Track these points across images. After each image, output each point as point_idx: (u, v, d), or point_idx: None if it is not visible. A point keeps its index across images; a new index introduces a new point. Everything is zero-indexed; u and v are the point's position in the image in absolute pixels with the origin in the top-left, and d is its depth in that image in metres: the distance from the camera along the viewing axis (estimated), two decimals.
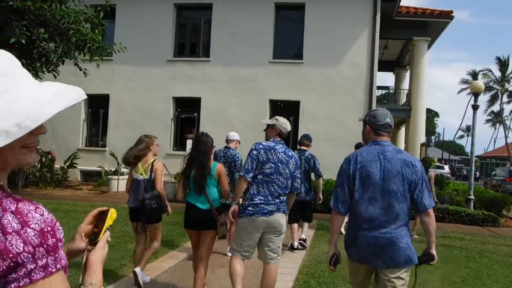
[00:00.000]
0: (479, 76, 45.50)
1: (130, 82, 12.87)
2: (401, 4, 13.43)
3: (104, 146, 13.16)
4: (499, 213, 10.20)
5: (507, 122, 51.72)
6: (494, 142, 61.48)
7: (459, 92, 51.50)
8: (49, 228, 0.76)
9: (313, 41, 12.16)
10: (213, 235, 3.55)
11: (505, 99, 47.85)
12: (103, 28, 8.78)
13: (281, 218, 3.30)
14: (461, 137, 69.54)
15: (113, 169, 11.85)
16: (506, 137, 47.74)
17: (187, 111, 13.09)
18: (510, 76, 45.63)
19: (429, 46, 15.92)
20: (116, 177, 10.84)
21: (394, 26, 13.95)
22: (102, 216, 1.04)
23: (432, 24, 14.76)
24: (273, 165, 3.27)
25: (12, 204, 0.75)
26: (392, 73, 21.41)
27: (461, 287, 4.75)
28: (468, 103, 70.87)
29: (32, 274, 0.72)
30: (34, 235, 0.73)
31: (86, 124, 13.56)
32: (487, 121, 57.99)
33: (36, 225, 0.74)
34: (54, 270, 0.75)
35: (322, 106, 12.10)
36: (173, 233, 6.50)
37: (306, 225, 6.34)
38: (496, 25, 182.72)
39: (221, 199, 3.71)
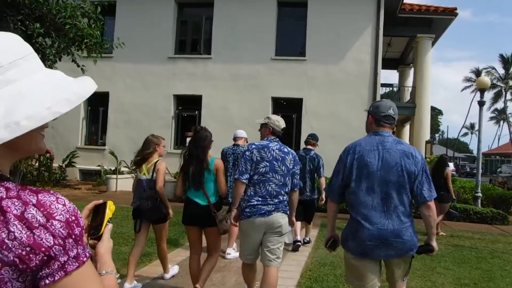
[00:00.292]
0: (483, 74, 45.28)
1: (130, 80, 12.68)
2: (404, 1, 13.21)
3: (104, 144, 12.98)
4: (508, 210, 9.99)
5: (511, 119, 51.31)
6: (498, 139, 61.19)
7: (463, 89, 51.35)
8: (73, 218, 0.74)
9: (316, 38, 11.95)
10: (216, 231, 3.53)
11: (508, 96, 47.66)
12: (101, 23, 8.57)
13: (280, 218, 3.20)
14: (465, 134, 69.32)
15: (112, 168, 11.68)
16: (510, 134, 47.37)
17: (188, 109, 12.90)
18: None
19: (433, 43, 15.74)
20: (115, 176, 10.65)
21: (397, 23, 13.76)
22: (98, 209, 1.01)
23: (436, 21, 14.58)
24: (267, 164, 3.21)
25: (31, 196, 0.72)
26: (395, 70, 21.22)
27: None
28: (472, 101, 70.54)
29: (66, 266, 0.71)
30: (61, 227, 0.72)
31: (86, 123, 13.38)
32: (491, 118, 57.75)
33: (61, 216, 0.73)
34: (85, 259, 0.75)
35: (325, 103, 11.89)
36: (174, 232, 6.32)
37: (310, 225, 6.26)
38: (499, 23, 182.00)
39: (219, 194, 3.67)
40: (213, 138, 3.65)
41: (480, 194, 10.05)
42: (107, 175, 11.08)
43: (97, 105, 12.97)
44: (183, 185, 3.60)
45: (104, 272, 0.91)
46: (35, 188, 0.75)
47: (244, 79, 12.19)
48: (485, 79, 10.63)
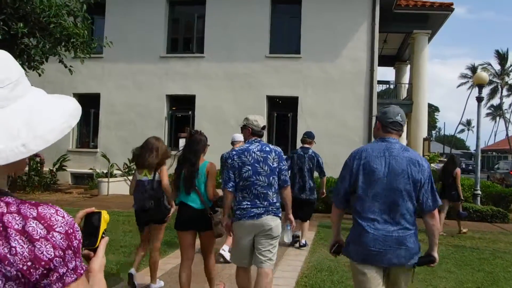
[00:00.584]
0: (479, 70, 45.05)
1: (121, 80, 12.41)
2: None
3: (96, 147, 12.72)
4: (508, 208, 9.82)
5: (507, 115, 51.41)
6: (495, 135, 61.32)
7: (459, 86, 51.27)
8: (71, 230, 0.76)
9: (310, 35, 11.73)
10: (211, 235, 3.50)
11: (505, 92, 47.59)
12: (89, 22, 8.30)
13: (270, 221, 3.16)
14: (462, 131, 69.44)
15: (105, 171, 11.42)
16: (507, 129, 47.40)
17: (181, 109, 12.66)
18: (510, 69, 45.32)
19: (429, 39, 15.61)
20: (106, 179, 10.39)
21: (393, 19, 13.60)
22: (89, 218, 0.98)
23: (432, 17, 14.45)
24: (249, 167, 3.18)
25: (31, 209, 0.74)
26: (392, 67, 21.10)
27: None
28: (468, 98, 70.73)
29: (64, 278, 0.73)
30: (61, 239, 0.73)
31: (77, 125, 13.08)
32: (487, 114, 57.77)
33: (61, 228, 0.74)
34: (82, 271, 0.77)
35: (321, 102, 11.68)
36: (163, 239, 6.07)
37: (306, 227, 6.07)
38: (494, 21, 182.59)
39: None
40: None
41: (479, 192, 9.86)
42: (99, 179, 10.82)
43: (88, 106, 12.65)
44: (176, 188, 3.58)
45: None
46: (34, 202, 0.76)
47: (238, 78, 11.96)
48: (483, 74, 10.43)
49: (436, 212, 2.39)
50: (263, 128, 3.35)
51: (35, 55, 7.33)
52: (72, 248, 0.75)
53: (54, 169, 11.73)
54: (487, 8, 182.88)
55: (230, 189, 3.21)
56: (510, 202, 10.07)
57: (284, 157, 3.39)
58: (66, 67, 8.37)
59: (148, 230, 4.02)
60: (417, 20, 14.32)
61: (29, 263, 0.70)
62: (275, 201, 3.20)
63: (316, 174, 6.27)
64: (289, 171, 5.88)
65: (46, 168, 11.60)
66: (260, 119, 3.35)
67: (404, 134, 18.75)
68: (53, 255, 0.71)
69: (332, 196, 2.57)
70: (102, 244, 0.95)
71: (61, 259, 0.72)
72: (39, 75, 7.98)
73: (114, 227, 6.63)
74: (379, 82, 16.51)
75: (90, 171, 12.05)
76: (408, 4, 14.00)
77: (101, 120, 12.59)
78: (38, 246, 0.70)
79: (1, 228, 0.70)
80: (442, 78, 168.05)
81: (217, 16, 12.03)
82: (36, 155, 11.32)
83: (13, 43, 7.24)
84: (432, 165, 12.12)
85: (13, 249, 0.69)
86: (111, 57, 12.19)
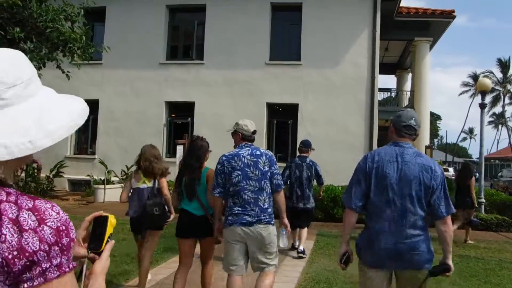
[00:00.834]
0: (481, 78, 44.93)
1: (120, 87, 12.32)
2: (401, 4, 12.99)
3: (94, 153, 12.57)
4: None
5: (510, 123, 51.15)
6: (497, 143, 60.98)
7: (460, 94, 51.12)
8: (64, 227, 0.76)
9: (311, 41, 11.64)
10: (211, 241, 3.47)
11: (507, 100, 47.42)
12: (87, 28, 8.23)
13: (263, 230, 3.09)
14: (464, 139, 69.14)
15: (102, 178, 11.28)
16: (510, 137, 47.14)
17: (180, 116, 12.54)
18: None
19: (430, 47, 15.55)
20: (102, 186, 10.24)
21: (394, 26, 13.56)
22: (97, 222, 1.00)
23: (433, 24, 14.41)
24: (239, 172, 3.14)
25: (28, 201, 0.75)
26: (393, 75, 21.03)
27: None
28: (470, 106, 70.60)
29: (47, 273, 0.73)
30: (50, 233, 0.74)
31: (75, 131, 12.97)
32: (489, 122, 57.56)
33: (53, 223, 0.75)
34: (67, 269, 0.76)
35: (321, 108, 11.54)
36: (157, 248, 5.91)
37: (304, 233, 5.97)
38: (495, 29, 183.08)
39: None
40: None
41: (483, 200, 9.69)
42: (95, 185, 10.67)
43: None
44: (178, 195, 3.56)
45: None
46: (33, 196, 0.78)
47: (238, 85, 11.85)
48: (486, 81, 10.29)
49: (448, 219, 2.33)
50: (254, 132, 3.29)
51: (32, 60, 7.25)
52: (60, 245, 0.74)
53: (51, 175, 11.59)
54: (488, 16, 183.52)
55: (217, 195, 3.19)
56: None
57: (275, 160, 3.30)
58: (63, 72, 8.29)
59: (146, 236, 3.97)
60: (419, 28, 14.28)
61: (14, 253, 0.70)
62: (266, 206, 3.13)
63: (314, 183, 6.23)
64: (288, 181, 5.94)
65: (43, 174, 11.46)
66: (250, 124, 3.30)
67: None
68: (37, 248, 0.71)
69: (344, 201, 2.48)
70: (107, 248, 0.97)
71: (45, 254, 0.72)
72: None
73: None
74: (380, 89, 16.42)
75: (88, 177, 11.90)
76: (409, 11, 13.97)
77: (99, 126, 12.48)
78: (25, 237, 0.71)
79: None
80: (444, 86, 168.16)
81: (217, 23, 11.96)
82: (33, 161, 11.20)
83: (10, 47, 7.17)
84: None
85: (3, 236, 0.70)
86: (111, 64, 12.13)
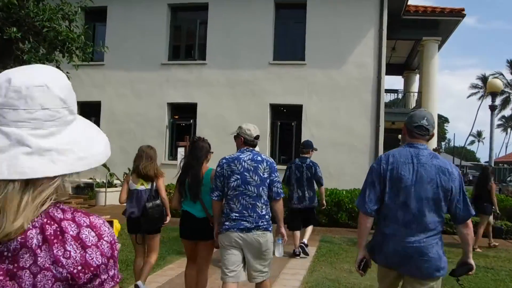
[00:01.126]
0: (491, 79, 44.28)
1: (122, 88, 12.18)
2: (409, 3, 12.67)
3: None
4: None
5: None
6: (506, 147, 60.04)
7: (469, 96, 50.45)
8: (114, 241, 0.82)
9: (315, 41, 11.39)
10: (210, 245, 3.43)
11: None
12: (86, 27, 8.09)
13: (260, 237, 3.06)
14: (472, 142, 68.21)
15: (105, 181, 11.13)
16: None
17: (182, 117, 12.35)
18: None
19: (439, 47, 15.18)
20: (103, 189, 10.08)
21: (402, 26, 13.22)
22: None
23: (442, 23, 14.03)
24: (238, 176, 3.10)
25: (84, 218, 0.81)
26: (400, 76, 20.67)
27: None
28: (479, 108, 69.72)
29: (104, 284, 0.79)
30: (107, 247, 0.80)
31: None
32: (498, 125, 56.63)
33: (107, 238, 0.81)
34: (118, 280, 0.83)
35: (326, 110, 11.28)
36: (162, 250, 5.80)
37: (309, 228, 6.14)
38: (504, 30, 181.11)
39: None
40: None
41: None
42: (96, 188, 10.52)
43: (89, 114, 12.43)
44: (179, 196, 3.55)
45: None
46: (84, 211, 0.84)
47: (241, 86, 11.64)
48: (497, 81, 10.01)
49: (469, 222, 2.31)
50: (256, 137, 3.24)
51: (29, 60, 7.12)
52: (113, 258, 0.81)
53: None
54: (498, 18, 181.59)
55: (215, 198, 3.16)
56: None
57: (276, 167, 3.23)
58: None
59: (143, 239, 4.02)
60: (427, 27, 13.91)
61: (79, 267, 0.76)
62: (264, 213, 3.10)
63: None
64: (288, 182, 6.03)
65: None
66: (254, 129, 3.25)
67: None
68: (100, 262, 0.78)
69: (358, 205, 2.43)
70: None
71: (104, 266, 0.79)
72: None
73: None
74: (387, 91, 16.09)
75: (90, 180, 11.76)
76: (418, 10, 13.62)
77: (101, 128, 11.95)
78: (89, 253, 0.77)
79: (59, 233, 0.76)
80: (452, 89, 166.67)
81: (220, 22, 11.77)
82: None
83: (8, 48, 7.04)
84: None
85: (68, 252, 0.76)
86: (112, 65, 12.01)
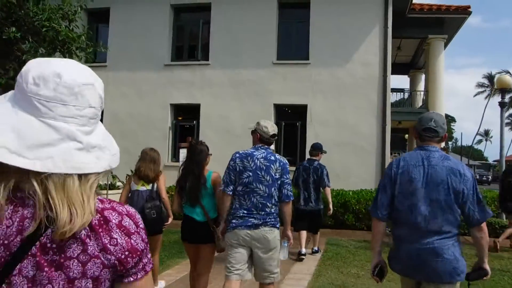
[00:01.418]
0: (496, 79, 43.88)
1: (125, 89, 12.07)
2: (414, 1, 12.49)
3: None
4: None
5: None
6: None
7: (476, 95, 49.97)
8: (145, 228, 0.88)
9: (319, 39, 11.21)
10: (211, 249, 3.43)
11: None
12: (87, 28, 8.00)
13: (268, 233, 3.03)
14: (479, 141, 67.59)
15: (107, 183, 11.01)
16: None
17: (186, 118, 12.22)
18: None
19: (445, 45, 14.97)
20: (105, 192, 9.96)
21: (407, 24, 13.05)
22: None
23: (448, 21, 13.85)
24: (250, 173, 3.06)
25: (122, 207, 0.87)
26: (406, 76, 20.48)
27: None
28: (486, 107, 69.06)
29: (146, 267, 0.87)
30: (144, 233, 0.87)
31: None
32: (506, 124, 55.95)
33: (142, 225, 0.87)
34: (152, 262, 0.91)
35: (331, 109, 11.09)
36: (166, 252, 5.68)
37: (317, 235, 6.26)
38: (510, 29, 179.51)
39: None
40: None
41: None
42: (97, 191, 10.37)
43: None
44: (179, 200, 3.53)
45: None
46: (118, 201, 0.90)
47: (245, 86, 11.48)
48: (506, 77, 9.77)
49: (484, 225, 2.24)
50: (273, 136, 3.20)
51: (27, 59, 7.03)
52: (147, 243, 0.88)
53: None
54: (504, 16, 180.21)
55: (229, 192, 3.11)
56: None
57: (288, 169, 3.22)
58: None
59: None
60: (433, 25, 13.75)
61: (126, 253, 0.82)
62: (273, 211, 3.08)
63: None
64: (295, 183, 6.05)
65: None
66: (271, 127, 3.22)
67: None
68: (143, 247, 0.85)
69: (370, 211, 2.45)
70: None
71: (146, 250, 0.86)
72: None
73: None
74: (393, 90, 15.90)
75: None
76: (423, 8, 13.45)
77: None
78: (134, 239, 0.84)
79: (103, 222, 0.81)
80: (457, 88, 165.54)
81: (223, 22, 11.63)
82: None
83: (8, 48, 6.96)
84: None
85: (114, 239, 0.81)
86: (115, 66, 11.91)
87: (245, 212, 3.02)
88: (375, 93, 10.98)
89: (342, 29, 11.08)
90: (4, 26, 6.66)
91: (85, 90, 0.80)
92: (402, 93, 18.56)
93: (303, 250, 5.91)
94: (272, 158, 3.11)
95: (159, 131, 11.80)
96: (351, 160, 10.65)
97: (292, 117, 11.74)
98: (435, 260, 2.18)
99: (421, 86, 18.91)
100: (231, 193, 3.11)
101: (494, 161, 44.36)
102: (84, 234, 0.78)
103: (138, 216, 0.87)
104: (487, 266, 2.31)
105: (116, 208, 0.84)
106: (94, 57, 11.88)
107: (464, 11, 13.45)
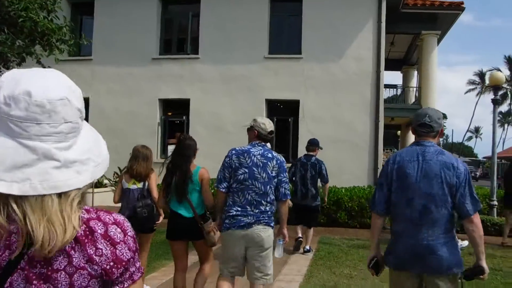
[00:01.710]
0: (487, 76, 44.45)
1: (111, 84, 11.72)
2: None
3: None
4: None
5: None
6: (503, 143, 60.01)
7: (466, 92, 50.35)
8: (134, 235, 0.88)
9: (312, 34, 10.98)
10: (203, 243, 3.42)
11: None
12: (69, 20, 7.67)
13: (262, 231, 3.00)
14: (470, 138, 68.27)
15: (95, 181, 10.71)
16: None
17: (175, 114, 11.92)
18: None
19: (438, 41, 14.89)
20: (90, 190, 9.66)
21: (401, 19, 12.89)
22: None
23: (441, 17, 13.76)
24: (246, 170, 3.03)
25: (108, 216, 0.86)
26: (399, 72, 20.42)
27: None
28: (476, 104, 69.72)
29: (133, 275, 0.86)
30: (132, 242, 0.86)
31: None
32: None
33: (130, 232, 0.87)
34: (142, 270, 0.90)
35: (323, 105, 10.89)
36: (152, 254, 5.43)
37: (310, 232, 6.20)
38: (502, 28, 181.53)
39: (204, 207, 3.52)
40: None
41: (496, 203, 9.06)
42: (83, 201, 10.06)
43: None
44: (165, 196, 3.48)
45: None
46: (105, 210, 0.88)
47: (235, 81, 11.22)
48: (499, 74, 9.61)
49: (475, 217, 2.25)
50: (270, 133, 3.19)
51: (6, 53, 6.69)
52: (137, 251, 0.87)
53: None
54: (495, 15, 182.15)
55: (223, 190, 3.09)
56: None
57: (286, 167, 3.19)
58: (44, 67, 7.73)
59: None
60: (426, 20, 13.63)
61: (111, 263, 0.81)
62: (267, 209, 3.05)
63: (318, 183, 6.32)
64: (293, 178, 6.12)
65: None
66: (268, 124, 3.21)
67: (411, 141, 18.05)
68: (129, 256, 0.84)
69: (369, 205, 2.56)
70: None
71: (132, 259, 0.85)
72: None
73: None
74: (386, 86, 15.76)
75: None
76: (416, 3, 13.29)
77: None
78: (119, 249, 0.83)
79: (88, 232, 0.81)
80: (449, 85, 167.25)
81: (213, 15, 11.33)
82: None
83: None
84: None
85: (99, 250, 0.81)
86: (101, 59, 11.57)
87: (239, 209, 2.99)
88: (368, 89, 10.80)
89: (335, 23, 10.87)
90: None
91: (58, 106, 0.78)
92: (395, 89, 18.49)
93: (300, 234, 6.12)
94: (270, 155, 3.08)
95: (147, 127, 11.50)
96: (344, 157, 10.48)
97: (284, 113, 11.54)
98: (430, 256, 2.22)
99: (414, 82, 18.86)
100: (224, 190, 3.08)
101: (483, 157, 44.81)
102: (69, 246, 0.78)
103: (126, 224, 0.87)
104: (483, 264, 2.29)
105: (102, 217, 0.84)
106: (79, 51, 11.53)
107: (458, 7, 13.40)
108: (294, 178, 6.10)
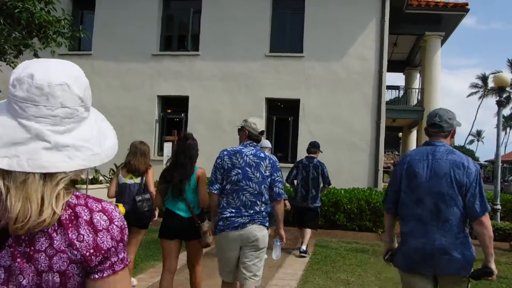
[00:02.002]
0: (490, 79, 44.33)
1: (110, 80, 11.58)
2: None
3: None
4: None
5: None
6: (505, 146, 59.80)
7: (469, 95, 50.13)
8: (124, 226, 0.88)
9: (314, 32, 10.82)
10: (198, 244, 3.40)
11: None
12: (68, 13, 7.53)
13: (257, 231, 2.95)
14: (471, 142, 68.00)
15: (90, 177, 10.57)
16: None
17: (174, 111, 11.78)
18: None
19: (442, 42, 14.74)
20: (84, 186, 9.52)
21: (404, 20, 12.76)
22: None
23: (445, 18, 13.61)
24: (239, 171, 2.99)
25: (97, 204, 0.86)
26: (402, 73, 20.25)
27: None
28: (479, 108, 69.42)
29: (114, 266, 0.85)
30: (117, 231, 0.85)
31: None
32: (497, 125, 56.28)
33: (118, 222, 0.86)
34: (127, 262, 0.88)
35: (324, 104, 10.73)
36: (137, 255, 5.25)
37: (308, 233, 6.08)
38: (504, 31, 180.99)
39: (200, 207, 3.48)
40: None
41: (499, 207, 8.94)
42: (77, 185, 9.92)
43: None
44: (163, 195, 3.45)
45: None
46: (97, 198, 0.89)
47: (236, 79, 11.07)
48: (504, 76, 9.48)
49: (485, 218, 2.22)
50: (261, 133, 3.17)
51: (5, 45, 6.57)
52: (123, 241, 0.86)
53: None
54: (497, 19, 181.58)
55: (215, 191, 3.04)
56: None
57: (279, 167, 3.17)
58: None
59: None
60: (430, 21, 13.49)
61: (91, 250, 0.81)
62: (262, 209, 3.00)
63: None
64: (294, 181, 6.15)
65: None
66: (259, 123, 3.20)
67: (414, 143, 17.87)
68: (110, 245, 0.83)
69: (384, 203, 2.60)
70: None
71: (114, 249, 0.84)
72: None
73: None
74: (388, 87, 15.62)
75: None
76: (420, 4, 13.14)
77: None
78: (101, 236, 0.83)
79: (73, 217, 0.82)
80: (450, 89, 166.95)
81: (214, 12, 11.18)
82: None
83: None
84: None
85: (81, 236, 0.82)
86: (100, 55, 11.43)
87: (233, 211, 2.94)
88: (370, 89, 10.64)
89: (338, 22, 10.71)
90: None
91: (57, 91, 0.81)
92: (397, 91, 18.33)
93: (304, 247, 6.01)
94: (262, 155, 3.07)
95: (145, 123, 11.37)
96: (344, 157, 10.32)
97: (284, 112, 11.39)
98: (442, 257, 2.19)
99: (416, 84, 18.71)
100: (216, 191, 3.04)
101: (485, 161, 44.59)
102: (52, 229, 0.80)
103: (115, 213, 0.86)
104: (492, 266, 2.26)
105: (89, 204, 0.85)
106: (78, 45, 11.40)
107: (462, 8, 13.22)
108: (295, 180, 6.12)
